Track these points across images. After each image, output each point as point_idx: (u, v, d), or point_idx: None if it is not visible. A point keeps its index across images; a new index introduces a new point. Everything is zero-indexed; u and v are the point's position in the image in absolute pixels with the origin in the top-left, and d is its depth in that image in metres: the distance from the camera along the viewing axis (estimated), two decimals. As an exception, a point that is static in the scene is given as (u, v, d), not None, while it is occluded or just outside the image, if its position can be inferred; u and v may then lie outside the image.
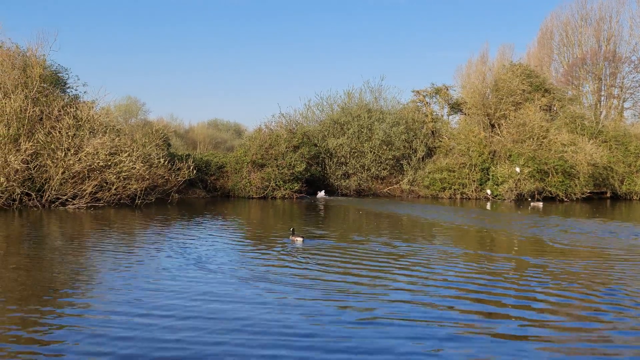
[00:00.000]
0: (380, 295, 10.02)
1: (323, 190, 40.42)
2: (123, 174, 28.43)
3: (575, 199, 40.30)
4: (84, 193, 27.20)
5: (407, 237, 18.75)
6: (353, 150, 43.48)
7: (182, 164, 33.02)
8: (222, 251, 14.48)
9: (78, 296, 9.72)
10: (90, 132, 29.29)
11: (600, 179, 43.92)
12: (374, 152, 43.27)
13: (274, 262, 13.05)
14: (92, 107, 30.68)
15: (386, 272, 12.18)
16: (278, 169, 37.39)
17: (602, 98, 63.50)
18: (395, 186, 43.85)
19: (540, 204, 36.19)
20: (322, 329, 8.04)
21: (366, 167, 43.28)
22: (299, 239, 17.01)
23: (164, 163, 31.48)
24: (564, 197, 40.09)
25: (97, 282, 10.77)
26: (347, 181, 43.19)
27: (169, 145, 37.99)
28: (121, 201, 28.56)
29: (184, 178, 32.96)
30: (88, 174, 27.65)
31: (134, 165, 28.77)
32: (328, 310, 8.92)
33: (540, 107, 43.47)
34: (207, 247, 15.13)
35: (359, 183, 43.17)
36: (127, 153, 29.09)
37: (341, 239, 17.69)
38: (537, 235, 19.47)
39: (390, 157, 43.58)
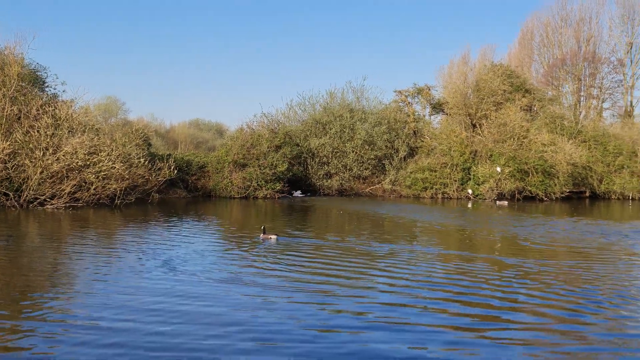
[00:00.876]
0: (357, 297, 9.79)
1: (299, 190, 40.23)
2: (102, 173, 28.13)
3: (554, 198, 40.62)
4: (63, 193, 26.87)
5: (385, 237, 18.69)
6: (335, 150, 43.48)
7: (162, 164, 32.80)
8: (201, 252, 14.20)
9: (57, 300, 9.37)
10: (69, 131, 28.95)
11: (580, 179, 44.34)
12: (356, 152, 43.29)
13: (255, 264, 12.86)
14: (71, 106, 30.34)
15: (363, 272, 12.03)
16: (260, 169, 37.29)
17: (582, 98, 64.04)
18: (377, 186, 43.89)
19: (505, 203, 36.89)
20: (288, 330, 7.87)
21: (348, 167, 43.28)
22: (273, 237, 16.94)
23: (144, 163, 31.24)
24: (543, 197, 40.37)
25: (75, 285, 10.48)
26: (329, 181, 43.16)
27: (150, 145, 37.71)
28: (100, 201, 28.26)
29: (164, 178, 32.76)
30: (67, 173, 27.33)
31: (114, 165, 28.49)
32: (299, 314, 8.68)
33: (521, 107, 43.78)
34: (186, 248, 14.87)
35: (341, 183, 43.17)
36: (107, 153, 28.81)
37: (319, 239, 17.58)
38: (516, 234, 19.53)
39: (372, 157, 43.63)
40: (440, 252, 15.16)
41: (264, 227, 17.54)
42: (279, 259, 13.56)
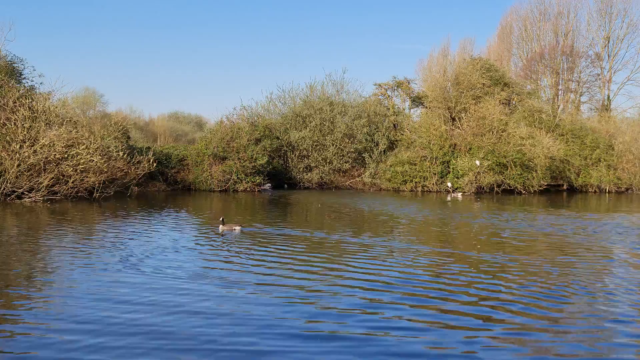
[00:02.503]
0: (325, 295, 9.52)
1: (269, 184, 40.09)
2: (80, 166, 27.97)
3: (532, 191, 41.03)
4: (41, 186, 26.71)
5: (359, 230, 18.72)
6: (315, 143, 43.57)
7: (141, 157, 32.67)
8: (176, 246, 14.11)
9: (35, 299, 9.13)
10: (47, 124, 28.73)
11: (557, 172, 44.90)
12: (336, 145, 43.41)
13: (232, 259, 12.87)
14: (49, 99, 30.12)
15: (334, 268, 11.81)
16: (240, 162, 37.28)
17: (560, 92, 64.85)
18: (357, 179, 44.06)
19: (459, 195, 38.00)
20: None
21: (328, 160, 43.40)
22: (237, 228, 17.02)
23: (122, 156, 31.10)
24: (522, 190, 40.77)
25: (54, 282, 10.31)
26: (309, 174, 43.26)
27: (129, 137, 37.57)
28: (79, 194, 28.14)
29: (143, 171, 32.64)
30: (44, 166, 27.15)
31: (92, 158, 28.33)
32: (257, 311, 8.55)
33: (500, 100, 44.12)
34: (158, 242, 14.72)
35: (321, 176, 43.29)
36: (85, 145, 28.63)
37: (287, 231, 17.56)
38: (493, 229, 19.65)
39: (352, 150, 43.79)
40: (414, 247, 14.83)
41: (222, 219, 17.48)
42: (239, 252, 13.59)
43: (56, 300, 9.00)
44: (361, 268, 11.71)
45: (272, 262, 12.28)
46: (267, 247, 14.20)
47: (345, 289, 9.85)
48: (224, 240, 15.28)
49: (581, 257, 13.37)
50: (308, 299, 9.21)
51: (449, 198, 36.32)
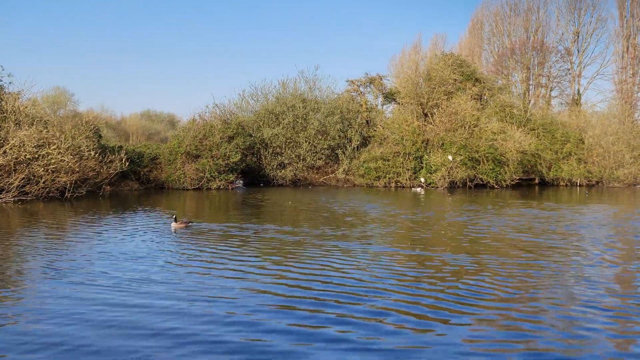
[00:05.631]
0: (268, 298, 9.29)
1: (242, 181, 40.22)
2: (52, 166, 27.93)
3: (505, 185, 41.67)
4: (11, 187, 26.61)
5: (327, 227, 18.78)
6: (288, 141, 43.82)
7: (114, 156, 32.68)
8: (148, 247, 14.07)
9: (5, 305, 8.89)
10: (16, 124, 28.62)
11: (529, 166, 45.73)
12: (310, 142, 43.70)
13: (207, 259, 13.07)
14: (18, 98, 30.02)
15: (287, 265, 11.82)
16: (213, 160, 37.42)
17: (531, 87, 65.94)
18: (330, 176, 44.42)
19: (419, 189, 39.19)
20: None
21: (302, 157, 43.68)
22: (189, 224, 17.18)
23: (94, 155, 31.07)
24: (494, 184, 41.40)
25: (25, 286, 10.06)
26: (282, 171, 43.49)
27: (100, 137, 37.37)
28: (50, 195, 28.08)
29: (115, 170, 32.66)
30: (15, 167, 27.06)
31: (63, 158, 28.30)
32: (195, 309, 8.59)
33: (472, 96, 44.79)
34: (134, 242, 14.66)
35: (294, 173, 43.56)
36: (56, 145, 28.58)
37: (254, 228, 17.55)
38: (466, 227, 19.78)
39: (325, 146, 44.12)
40: (382, 248, 14.38)
41: (175, 216, 17.53)
42: (218, 249, 13.70)
43: None
44: (303, 268, 11.51)
45: (210, 263, 12.12)
46: (215, 247, 14.11)
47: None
48: (174, 241, 14.96)
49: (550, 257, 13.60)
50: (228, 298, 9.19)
51: (414, 191, 37.21)
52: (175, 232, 16.33)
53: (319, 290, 9.68)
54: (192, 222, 17.66)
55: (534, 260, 12.41)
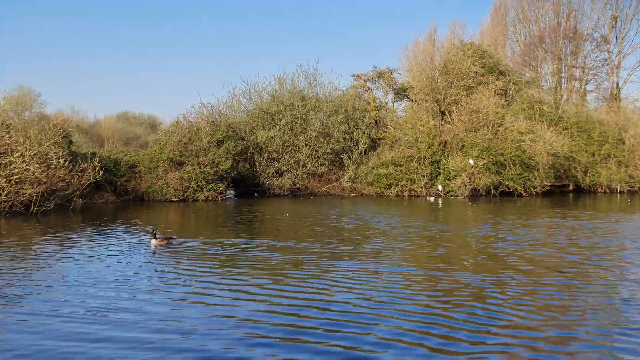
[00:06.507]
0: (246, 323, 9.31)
1: (233, 190, 40.02)
2: (15, 177, 27.77)
3: (534, 193, 41.43)
4: (-32, 201, 26.46)
5: (325, 244, 18.60)
6: (286, 144, 43.67)
7: (86, 164, 32.49)
8: (119, 269, 13.77)
9: None
10: (-26, 128, 28.49)
11: (562, 171, 45.49)
12: (310, 146, 43.55)
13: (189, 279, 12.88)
14: (-24, 100, 29.86)
15: (279, 289, 11.63)
16: (199, 168, 37.26)
17: (563, 80, 65.64)
18: (335, 184, 44.24)
19: (436, 199, 39.20)
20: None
21: (301, 163, 43.51)
22: (171, 241, 17.09)
23: (64, 163, 30.90)
24: (522, 192, 41.18)
25: None
26: (280, 179, 43.31)
27: (71, 142, 37.34)
28: (14, 209, 27.88)
29: (88, 180, 32.46)
30: (-28, 178, 26.91)
31: (28, 167, 28.17)
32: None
33: (495, 91, 44.63)
34: (104, 263, 14.41)
35: (293, 181, 43.37)
36: (20, 153, 28.44)
37: (245, 246, 17.40)
38: (494, 245, 19.45)
39: (328, 150, 43.96)
40: (389, 267, 14.20)
41: (154, 231, 17.29)
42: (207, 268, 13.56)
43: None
44: (298, 292, 11.34)
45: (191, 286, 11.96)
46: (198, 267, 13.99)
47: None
48: (150, 261, 14.76)
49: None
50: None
51: (430, 200, 36.97)
52: (155, 252, 16.10)
53: (315, 318, 9.45)
54: (174, 238, 17.50)
55: (568, 280, 12.19)
